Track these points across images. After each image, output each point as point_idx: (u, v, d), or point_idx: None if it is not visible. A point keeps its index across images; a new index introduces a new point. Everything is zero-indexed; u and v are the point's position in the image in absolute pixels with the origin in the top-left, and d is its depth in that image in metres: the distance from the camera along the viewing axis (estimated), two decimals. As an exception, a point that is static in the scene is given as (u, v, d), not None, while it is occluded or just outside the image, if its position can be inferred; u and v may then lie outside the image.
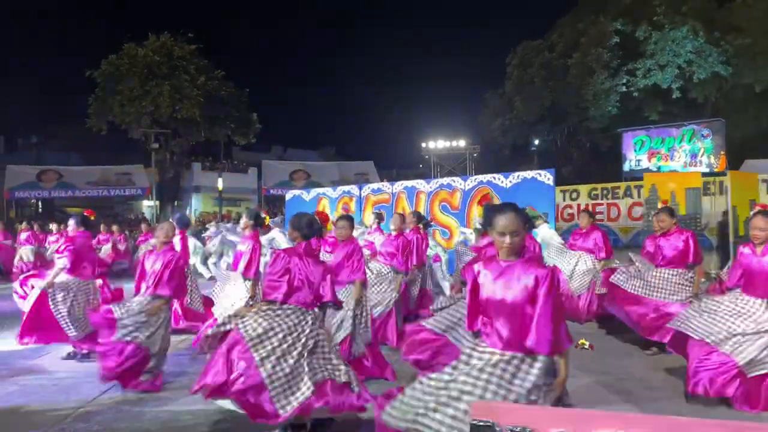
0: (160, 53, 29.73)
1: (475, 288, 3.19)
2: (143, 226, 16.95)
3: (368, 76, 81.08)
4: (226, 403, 3.94)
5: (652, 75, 25.19)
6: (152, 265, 5.70)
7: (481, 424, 2.40)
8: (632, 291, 6.67)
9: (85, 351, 6.68)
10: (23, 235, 15.51)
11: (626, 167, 22.99)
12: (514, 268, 3.08)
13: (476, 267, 3.22)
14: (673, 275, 6.52)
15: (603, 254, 8.71)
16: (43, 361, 6.69)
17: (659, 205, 9.98)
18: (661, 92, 25.73)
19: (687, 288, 6.43)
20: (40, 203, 35.58)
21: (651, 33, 24.89)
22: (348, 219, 6.35)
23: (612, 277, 7.13)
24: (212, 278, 11.61)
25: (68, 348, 6.80)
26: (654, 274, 6.67)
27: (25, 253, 15.12)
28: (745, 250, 5.02)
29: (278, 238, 12.50)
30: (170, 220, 7.94)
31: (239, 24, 72.22)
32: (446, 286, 9.88)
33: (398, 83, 79.09)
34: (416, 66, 75.20)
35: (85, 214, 7.53)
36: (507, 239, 3.06)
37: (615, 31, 25.95)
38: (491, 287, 3.10)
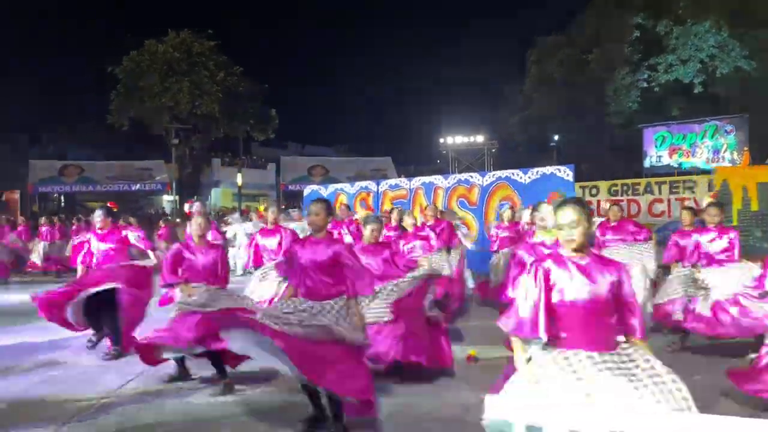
0: (179, 50, 30.01)
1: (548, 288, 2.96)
2: (161, 221, 17.14)
3: (386, 72, 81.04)
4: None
5: (673, 70, 24.89)
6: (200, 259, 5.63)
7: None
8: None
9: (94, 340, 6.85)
10: (43, 230, 15.72)
11: (647, 163, 22.77)
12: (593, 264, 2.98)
13: (546, 265, 3.00)
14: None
15: (642, 236, 8.21)
16: (67, 353, 6.81)
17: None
18: (683, 87, 25.42)
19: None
20: (62, 198, 36.11)
21: (673, 27, 24.58)
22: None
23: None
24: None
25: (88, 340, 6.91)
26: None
27: (40, 248, 15.27)
28: None
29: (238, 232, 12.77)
30: (199, 211, 7.91)
31: (254, 20, 72.55)
32: (469, 277, 10.00)
33: (417, 79, 78.96)
34: (435, 61, 75.05)
35: (108, 205, 7.67)
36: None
37: (636, 25, 25.66)
38: (573, 286, 2.92)
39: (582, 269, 2.92)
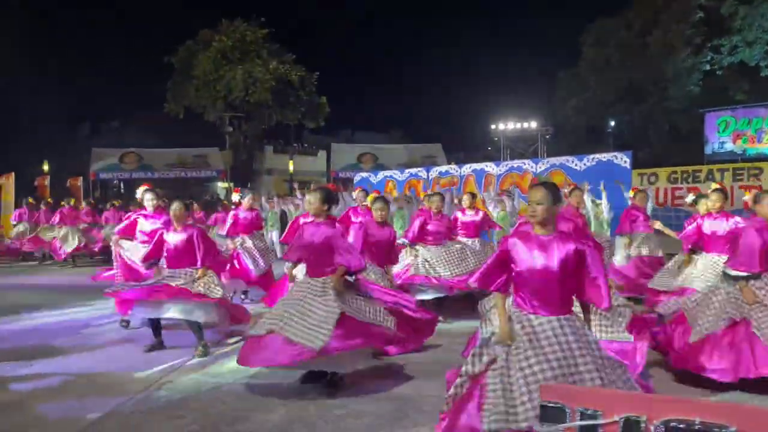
0: (232, 38, 30.48)
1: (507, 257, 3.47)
2: (219, 207, 17.47)
3: (437, 58, 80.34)
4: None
5: (738, 52, 23.82)
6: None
7: (552, 405, 2.40)
8: None
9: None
10: (107, 215, 16.26)
11: (708, 150, 21.92)
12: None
13: (512, 239, 3.45)
14: None
15: None
16: (124, 333, 7.14)
17: None
18: (748, 70, 24.30)
19: None
20: (122, 184, 37.36)
21: (738, 8, 23.47)
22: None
23: None
24: None
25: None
26: None
27: (108, 232, 15.77)
28: None
29: None
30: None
31: (306, 7, 72.96)
32: None
33: (468, 64, 77.91)
34: (486, 46, 73.94)
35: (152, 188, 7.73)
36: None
37: (699, 6, 24.62)
38: (530, 257, 3.38)
39: (541, 243, 3.27)
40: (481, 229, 9.05)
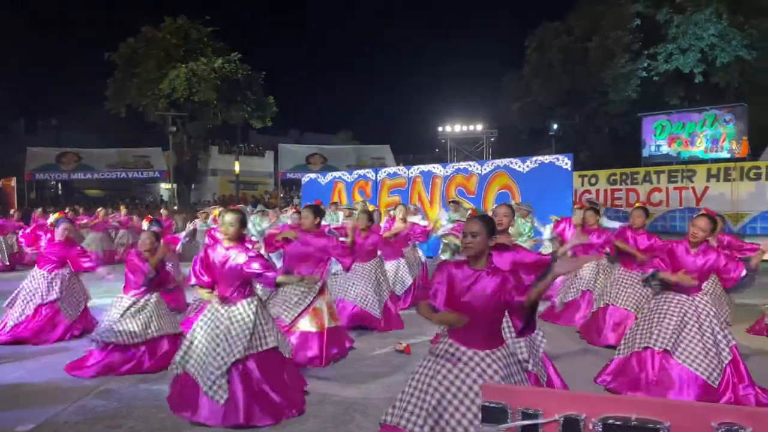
0: (177, 36, 29.81)
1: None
2: (162, 211, 17.02)
3: (386, 60, 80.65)
4: None
5: (673, 59, 24.76)
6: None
7: (493, 405, 2.42)
8: None
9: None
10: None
11: (645, 153, 22.73)
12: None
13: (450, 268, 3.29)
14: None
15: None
16: (65, 341, 6.83)
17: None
18: (683, 77, 25.30)
19: None
20: (59, 185, 36.03)
21: (673, 16, 24.42)
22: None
23: None
24: None
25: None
26: None
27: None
28: None
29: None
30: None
31: (252, 6, 72.10)
32: None
33: (415, 67, 78.66)
34: (433, 49, 74.68)
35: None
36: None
37: (636, 13, 25.50)
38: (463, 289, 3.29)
39: (474, 276, 3.14)
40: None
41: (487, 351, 3.09)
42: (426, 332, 6.49)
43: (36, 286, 6.87)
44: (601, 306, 6.58)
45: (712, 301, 5.01)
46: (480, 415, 2.52)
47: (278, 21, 73.58)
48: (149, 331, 5.62)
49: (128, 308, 5.62)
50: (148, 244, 5.82)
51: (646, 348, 4.81)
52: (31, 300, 6.79)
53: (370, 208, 9.30)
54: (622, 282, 6.48)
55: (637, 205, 6.92)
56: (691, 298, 4.79)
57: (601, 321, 6.51)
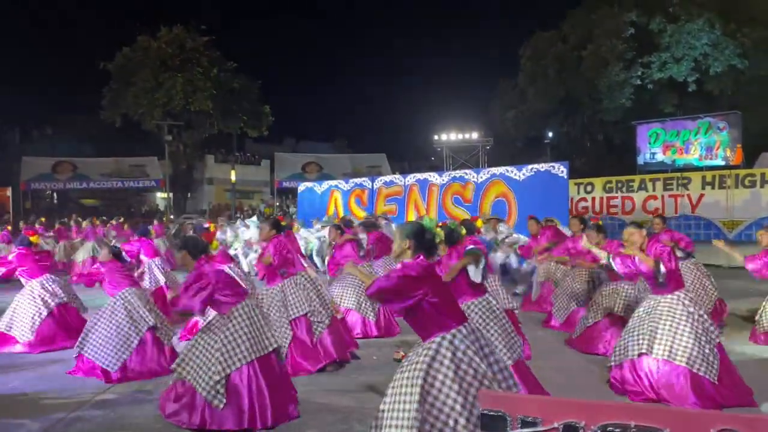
0: (172, 45, 29.87)
1: None
2: (164, 219, 17.01)
3: (380, 68, 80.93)
4: None
5: (667, 68, 24.93)
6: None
7: (492, 413, 2.42)
8: None
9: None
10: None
11: (640, 160, 22.81)
12: None
13: None
14: None
15: None
16: (63, 351, 6.76)
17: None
18: (677, 85, 25.47)
19: None
20: (55, 195, 35.92)
21: (666, 25, 24.61)
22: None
23: None
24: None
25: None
26: None
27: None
28: None
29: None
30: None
31: (248, 15, 72.28)
32: None
33: (411, 75, 78.95)
34: (429, 58, 75.05)
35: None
36: None
37: (629, 23, 25.67)
38: None
39: None
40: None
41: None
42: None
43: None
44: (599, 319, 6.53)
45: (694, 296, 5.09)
46: None
47: (274, 31, 73.84)
48: None
49: None
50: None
51: (641, 355, 4.83)
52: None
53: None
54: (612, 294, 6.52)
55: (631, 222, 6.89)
56: (675, 296, 4.86)
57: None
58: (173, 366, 4.44)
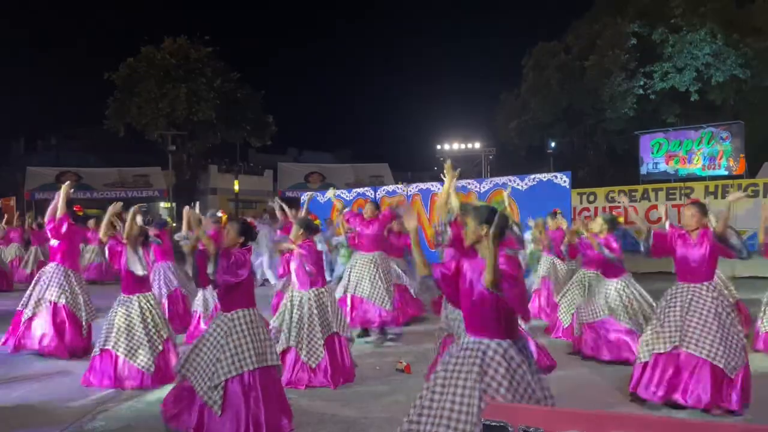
0: (176, 56, 30.01)
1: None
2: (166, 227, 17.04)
3: (384, 79, 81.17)
4: None
5: (669, 78, 24.96)
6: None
7: (495, 424, 2.41)
8: None
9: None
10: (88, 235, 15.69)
11: (643, 170, 22.78)
12: None
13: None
14: None
15: None
16: (62, 361, 6.78)
17: None
18: (679, 95, 25.49)
19: None
20: (59, 205, 35.94)
21: (668, 35, 24.66)
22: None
23: None
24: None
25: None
26: None
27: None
28: None
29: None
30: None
31: (251, 26, 72.73)
32: None
33: (413, 85, 79.14)
34: (431, 68, 75.33)
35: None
36: None
37: (632, 33, 25.75)
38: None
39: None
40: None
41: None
42: (426, 352, 6.47)
43: None
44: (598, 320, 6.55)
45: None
46: None
47: (278, 41, 74.19)
48: None
49: None
50: None
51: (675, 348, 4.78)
52: None
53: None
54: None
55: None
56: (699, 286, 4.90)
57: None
58: (177, 368, 4.43)
